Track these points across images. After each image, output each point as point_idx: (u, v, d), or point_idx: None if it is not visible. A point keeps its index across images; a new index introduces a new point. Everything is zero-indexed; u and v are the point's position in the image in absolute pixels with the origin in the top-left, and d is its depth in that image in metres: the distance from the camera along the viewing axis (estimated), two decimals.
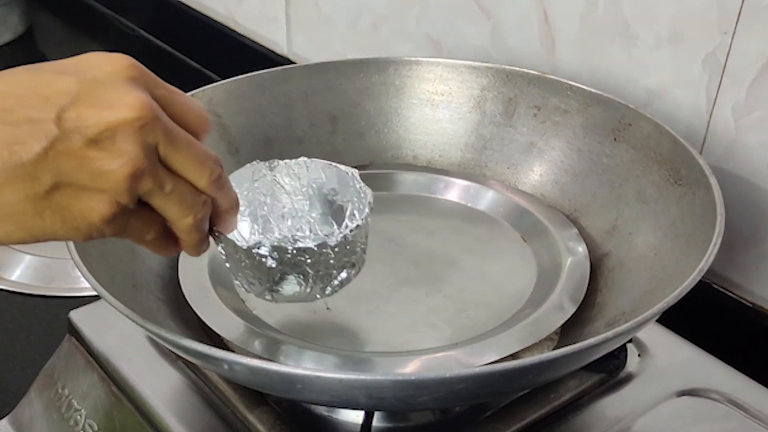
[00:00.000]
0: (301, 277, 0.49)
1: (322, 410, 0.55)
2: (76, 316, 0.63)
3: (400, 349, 0.52)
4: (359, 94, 0.71)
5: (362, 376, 0.42)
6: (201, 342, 0.43)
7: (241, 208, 0.48)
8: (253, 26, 1.11)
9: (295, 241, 0.53)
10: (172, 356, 0.59)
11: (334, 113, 0.71)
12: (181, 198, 0.40)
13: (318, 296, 0.51)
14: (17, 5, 1.31)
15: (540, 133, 0.67)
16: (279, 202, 0.54)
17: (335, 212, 0.54)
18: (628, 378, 0.57)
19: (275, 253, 0.48)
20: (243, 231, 0.51)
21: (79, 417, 0.59)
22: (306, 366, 0.50)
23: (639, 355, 0.58)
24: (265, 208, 0.53)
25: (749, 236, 0.65)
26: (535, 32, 0.75)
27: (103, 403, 0.58)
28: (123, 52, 0.40)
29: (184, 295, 0.56)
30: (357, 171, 0.52)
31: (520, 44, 0.76)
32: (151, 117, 0.37)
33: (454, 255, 0.61)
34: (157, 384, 0.57)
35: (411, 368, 0.50)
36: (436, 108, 0.71)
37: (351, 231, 0.49)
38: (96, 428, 0.58)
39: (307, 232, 0.54)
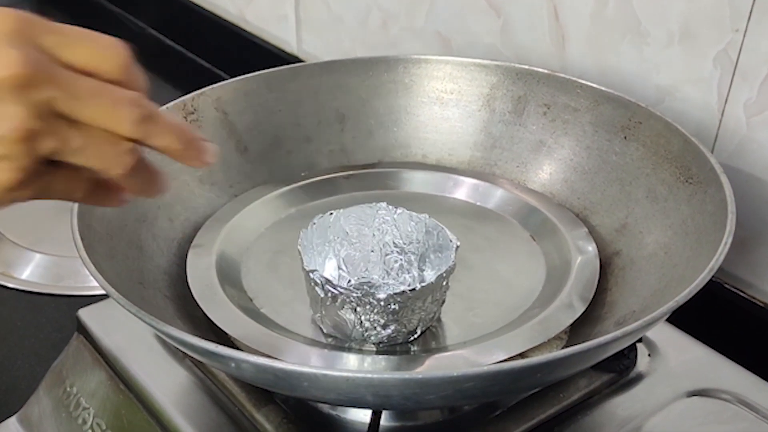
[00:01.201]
0: (345, 316, 0.50)
1: (329, 409, 0.55)
2: (85, 314, 0.63)
3: (408, 348, 0.52)
4: (368, 92, 0.70)
5: (369, 375, 0.42)
6: (207, 340, 0.43)
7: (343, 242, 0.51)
8: (263, 25, 1.11)
9: (345, 279, 0.52)
10: (179, 354, 0.59)
11: (343, 111, 0.71)
12: (100, 151, 0.36)
13: (356, 342, 0.52)
14: (27, 3, 1.31)
15: (550, 132, 0.67)
16: (373, 244, 0.53)
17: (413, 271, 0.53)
18: (638, 378, 0.56)
19: (327, 285, 0.50)
20: (318, 259, 0.52)
21: (87, 415, 0.59)
22: (313, 364, 0.50)
23: (649, 355, 0.58)
24: (362, 248, 0.53)
25: (762, 235, 0.65)
26: (545, 29, 0.74)
27: (111, 402, 0.58)
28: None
29: (191, 293, 0.56)
30: (458, 244, 0.53)
31: (530, 42, 0.76)
32: (32, 73, 0.34)
33: (462, 253, 0.60)
34: (165, 382, 0.57)
35: (419, 367, 0.50)
36: (445, 106, 0.70)
37: (396, 291, 0.49)
38: (104, 427, 0.58)
39: (364, 276, 0.52)
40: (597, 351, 0.44)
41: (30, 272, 0.82)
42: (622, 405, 0.55)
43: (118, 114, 0.36)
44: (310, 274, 0.50)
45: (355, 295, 0.49)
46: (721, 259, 0.48)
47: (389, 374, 0.43)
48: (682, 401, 0.55)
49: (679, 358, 0.58)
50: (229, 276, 0.58)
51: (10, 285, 0.80)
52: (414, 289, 0.49)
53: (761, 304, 0.66)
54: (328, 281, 0.49)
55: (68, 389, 0.62)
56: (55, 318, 0.77)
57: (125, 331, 0.61)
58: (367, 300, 0.49)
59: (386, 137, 0.71)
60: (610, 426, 0.53)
